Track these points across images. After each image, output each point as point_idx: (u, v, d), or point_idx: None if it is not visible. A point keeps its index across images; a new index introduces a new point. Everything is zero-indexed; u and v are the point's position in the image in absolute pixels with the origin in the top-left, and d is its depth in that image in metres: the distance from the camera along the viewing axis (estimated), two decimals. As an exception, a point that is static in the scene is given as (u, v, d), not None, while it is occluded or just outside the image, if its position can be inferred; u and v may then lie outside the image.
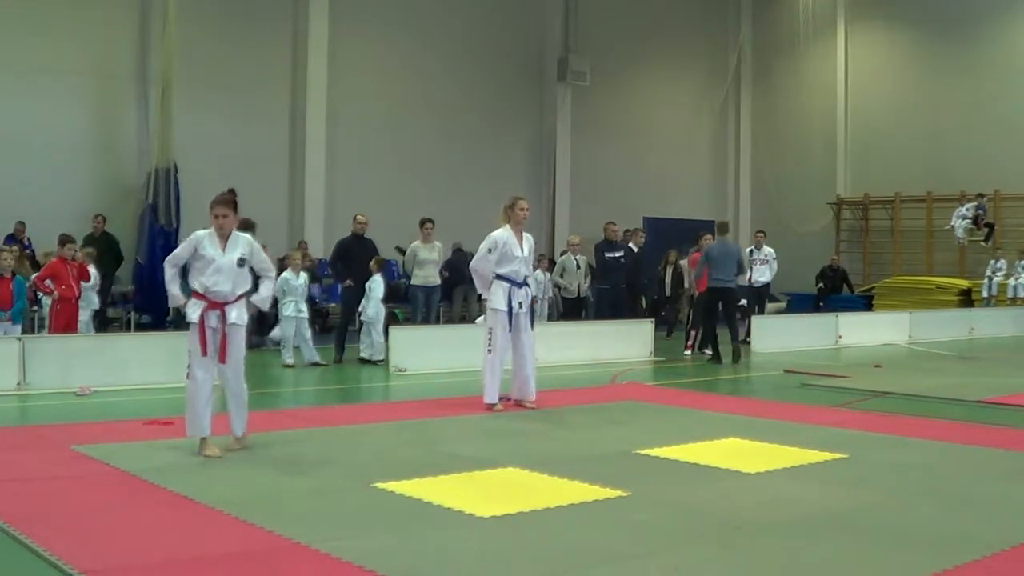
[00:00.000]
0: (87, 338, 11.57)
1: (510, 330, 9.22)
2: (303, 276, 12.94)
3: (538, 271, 15.62)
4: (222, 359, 6.96)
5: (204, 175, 16.50)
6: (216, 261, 6.91)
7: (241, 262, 7.00)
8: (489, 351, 9.11)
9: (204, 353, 6.89)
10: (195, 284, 6.99)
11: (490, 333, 9.18)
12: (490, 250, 9.27)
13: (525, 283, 9.39)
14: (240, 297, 7.04)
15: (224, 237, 6.98)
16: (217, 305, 6.91)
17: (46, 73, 17.34)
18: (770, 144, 27.74)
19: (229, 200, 7.00)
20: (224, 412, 7.10)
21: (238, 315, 6.98)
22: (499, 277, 9.23)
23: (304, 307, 12.78)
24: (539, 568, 4.50)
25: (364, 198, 18.50)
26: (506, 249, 9.23)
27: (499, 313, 9.17)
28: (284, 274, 12.98)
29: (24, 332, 11.69)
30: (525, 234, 9.48)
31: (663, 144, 26.15)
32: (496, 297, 9.21)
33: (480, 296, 14.45)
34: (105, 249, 15.95)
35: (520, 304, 9.25)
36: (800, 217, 26.27)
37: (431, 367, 12.07)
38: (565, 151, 23.96)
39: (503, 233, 9.32)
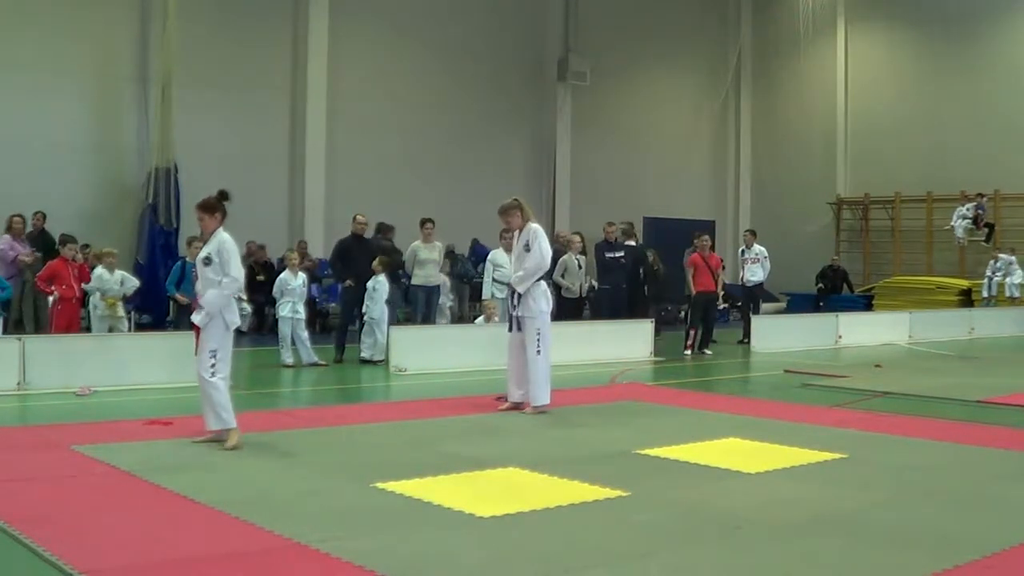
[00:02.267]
0: (87, 338, 11.55)
1: (510, 329, 9.25)
2: (301, 276, 12.90)
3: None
4: (196, 351, 7.26)
5: (204, 175, 16.45)
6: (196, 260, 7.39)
7: (207, 261, 7.22)
8: None
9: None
10: None
11: None
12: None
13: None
14: None
15: (206, 237, 7.34)
16: (196, 303, 7.30)
17: (46, 73, 17.34)
18: (770, 144, 27.75)
19: (202, 204, 7.35)
20: (236, 411, 7.28)
21: (197, 313, 7.17)
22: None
23: (301, 308, 12.74)
24: (539, 568, 4.50)
25: (364, 198, 18.49)
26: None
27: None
28: (282, 275, 12.98)
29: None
30: (527, 227, 9.20)
31: (663, 144, 26.16)
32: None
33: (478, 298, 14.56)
34: (45, 248, 14.77)
35: (515, 305, 9.20)
36: (800, 217, 26.28)
37: (431, 367, 12.07)
38: (565, 151, 23.97)
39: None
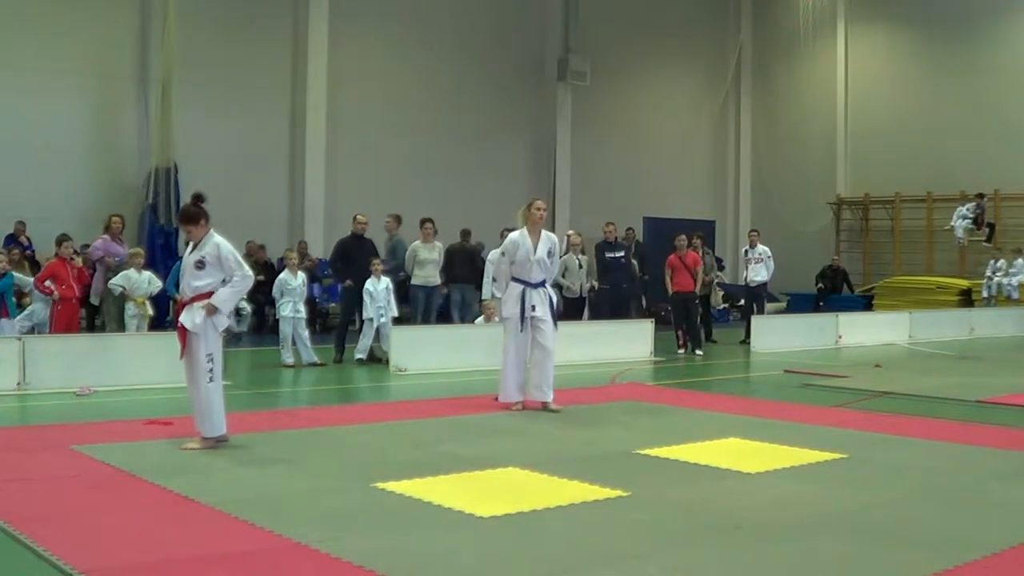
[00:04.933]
0: (87, 338, 11.57)
1: (521, 330, 9.15)
2: (301, 276, 12.89)
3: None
4: (181, 354, 7.13)
5: (204, 175, 16.46)
6: (183, 261, 7.28)
7: (199, 264, 7.11)
8: (505, 352, 9.20)
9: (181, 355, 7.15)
10: None
11: (505, 335, 9.27)
12: (503, 253, 9.30)
13: (542, 284, 9.26)
14: (197, 298, 7.09)
15: (196, 242, 7.21)
16: (182, 304, 7.16)
17: (46, 73, 17.34)
18: (770, 144, 27.74)
19: (184, 217, 7.26)
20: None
21: (187, 316, 7.04)
22: (514, 279, 9.19)
23: (302, 308, 12.73)
24: (539, 568, 4.50)
25: (364, 198, 18.49)
26: (519, 251, 9.17)
27: (509, 320, 9.17)
28: (281, 275, 12.98)
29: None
30: (547, 234, 9.32)
31: (663, 144, 26.16)
32: (508, 304, 9.17)
33: (481, 298, 14.52)
34: None
35: (534, 307, 9.13)
36: (800, 217, 26.27)
37: (431, 367, 12.08)
38: (565, 151, 23.97)
39: (517, 235, 9.26)
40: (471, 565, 4.52)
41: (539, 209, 9.31)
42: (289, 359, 12.54)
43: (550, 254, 9.29)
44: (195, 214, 7.17)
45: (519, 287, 9.14)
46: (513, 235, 9.31)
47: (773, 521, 5.30)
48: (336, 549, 4.60)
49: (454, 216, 18.43)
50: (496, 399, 9.46)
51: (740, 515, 5.40)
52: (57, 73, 17.45)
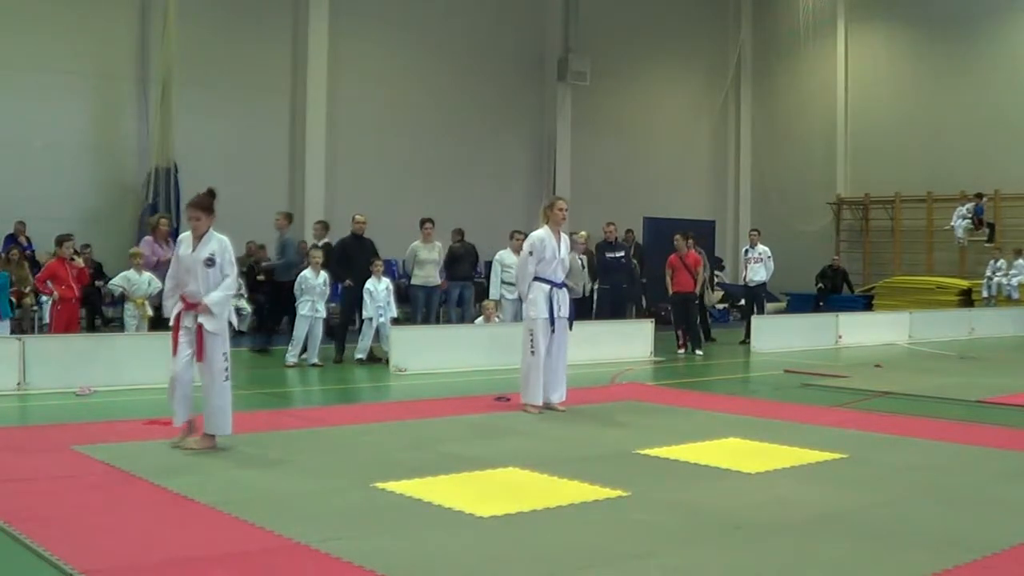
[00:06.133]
0: (87, 338, 11.58)
1: (553, 331, 9.08)
2: (323, 275, 12.82)
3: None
4: (199, 357, 7.02)
5: (204, 175, 16.35)
6: (185, 260, 7.09)
7: (210, 261, 7.04)
8: (532, 353, 8.97)
9: (174, 353, 7.03)
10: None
11: (531, 335, 9.01)
12: (531, 252, 9.11)
13: (564, 284, 9.29)
14: None
15: (197, 237, 7.12)
16: (191, 305, 7.02)
17: (46, 73, 17.34)
18: (770, 144, 27.74)
19: (198, 203, 7.14)
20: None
21: (207, 319, 6.97)
22: (538, 278, 9.08)
23: (321, 307, 12.64)
24: (539, 568, 4.50)
25: (364, 198, 18.49)
26: (547, 250, 9.08)
27: (538, 320, 8.99)
28: (303, 272, 12.91)
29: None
30: (563, 235, 9.32)
31: (663, 144, 26.16)
32: (537, 304, 9.01)
33: (488, 297, 14.49)
34: None
35: (559, 307, 9.12)
36: (800, 217, 26.28)
37: (431, 367, 12.07)
38: (565, 151, 23.96)
39: (542, 233, 9.16)
40: (471, 565, 4.52)
41: (561, 209, 9.23)
42: (293, 359, 12.50)
43: (568, 254, 9.44)
44: (208, 203, 7.13)
45: (545, 287, 9.06)
46: (538, 233, 9.19)
47: (773, 521, 5.30)
48: (336, 549, 4.60)
49: (454, 216, 18.43)
50: (496, 399, 9.48)
51: (740, 515, 5.40)
52: (57, 73, 17.45)
